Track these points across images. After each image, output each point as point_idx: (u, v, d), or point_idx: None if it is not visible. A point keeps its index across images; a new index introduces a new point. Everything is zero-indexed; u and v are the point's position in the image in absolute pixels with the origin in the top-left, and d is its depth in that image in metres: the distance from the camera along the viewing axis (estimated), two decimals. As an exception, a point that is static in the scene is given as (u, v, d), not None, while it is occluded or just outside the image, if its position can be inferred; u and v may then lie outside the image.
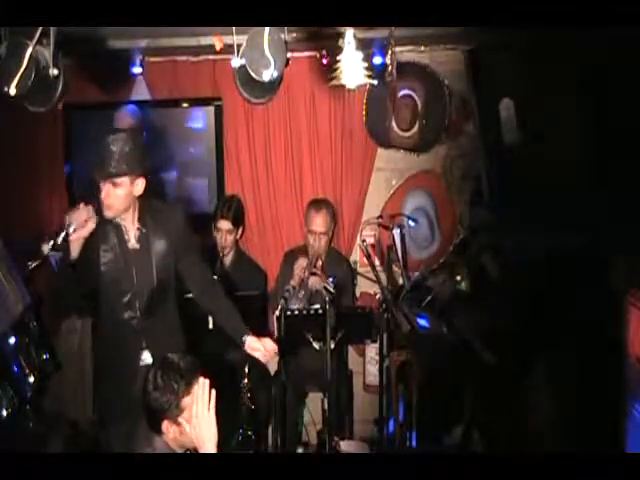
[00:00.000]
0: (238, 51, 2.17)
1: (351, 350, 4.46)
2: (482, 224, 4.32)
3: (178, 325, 3.09)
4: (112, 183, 2.71)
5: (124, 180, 2.72)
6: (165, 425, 2.27)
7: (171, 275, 2.99)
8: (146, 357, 2.93)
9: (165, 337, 2.96)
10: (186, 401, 2.26)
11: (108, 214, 2.78)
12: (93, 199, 2.78)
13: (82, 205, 2.71)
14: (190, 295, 3.56)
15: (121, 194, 2.74)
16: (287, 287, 3.79)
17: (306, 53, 4.24)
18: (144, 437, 2.33)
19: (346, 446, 3.64)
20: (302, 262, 3.95)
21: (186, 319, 3.22)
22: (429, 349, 3.79)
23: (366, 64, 2.51)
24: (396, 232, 4.20)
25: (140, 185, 2.77)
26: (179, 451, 2.34)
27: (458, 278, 3.83)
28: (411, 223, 4.31)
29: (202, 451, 2.23)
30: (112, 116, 4.08)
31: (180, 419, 2.26)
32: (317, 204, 4.12)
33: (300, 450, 3.94)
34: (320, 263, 4.01)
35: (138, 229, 2.87)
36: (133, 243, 2.88)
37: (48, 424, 3.96)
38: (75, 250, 2.71)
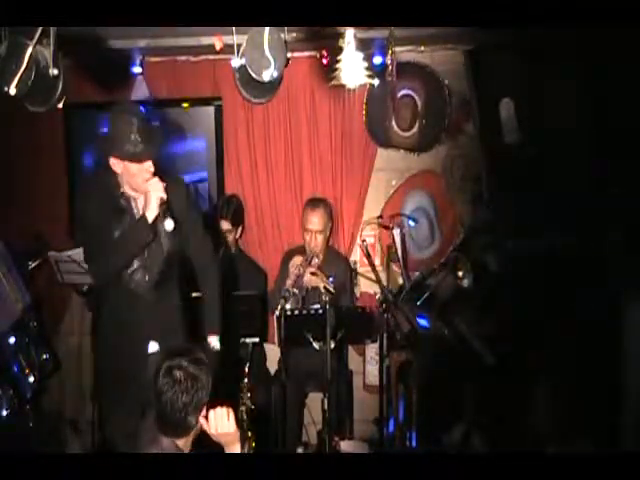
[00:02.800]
0: (238, 51, 2.17)
1: (351, 350, 4.46)
2: (482, 224, 4.32)
3: (182, 312, 3.10)
4: (137, 162, 2.77)
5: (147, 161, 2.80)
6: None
7: (178, 249, 3.00)
8: (153, 346, 2.95)
9: (170, 323, 3.00)
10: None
11: (126, 190, 2.86)
12: (107, 173, 2.86)
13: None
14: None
15: (141, 172, 2.80)
16: (286, 287, 3.79)
17: (306, 53, 4.23)
18: (151, 437, 2.32)
19: (346, 446, 3.64)
20: (297, 259, 3.96)
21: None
22: (429, 349, 3.79)
23: (366, 64, 2.51)
24: (396, 232, 4.20)
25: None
26: (186, 450, 2.34)
27: (460, 274, 3.81)
28: (411, 223, 4.31)
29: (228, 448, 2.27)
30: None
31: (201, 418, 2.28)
32: (313, 203, 4.12)
33: (300, 450, 3.93)
34: (316, 261, 4.01)
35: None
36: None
37: (48, 424, 3.96)
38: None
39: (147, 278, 2.93)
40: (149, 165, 2.81)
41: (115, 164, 2.81)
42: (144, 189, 2.82)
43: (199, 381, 2.26)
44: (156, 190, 2.78)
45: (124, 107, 2.85)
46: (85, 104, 4.32)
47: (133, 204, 2.93)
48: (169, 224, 2.76)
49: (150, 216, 2.78)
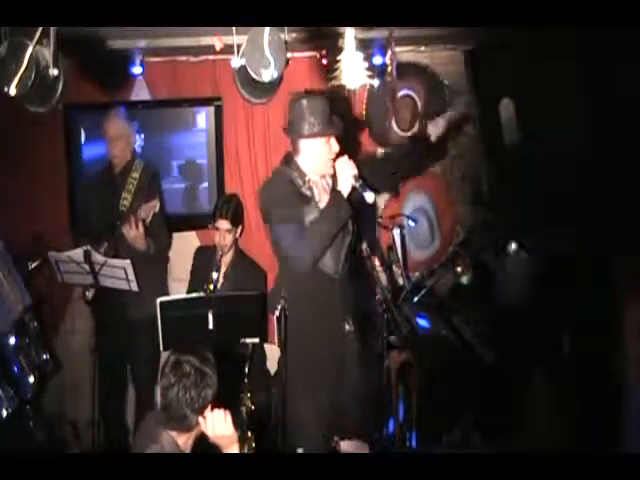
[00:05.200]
0: (238, 51, 2.17)
1: (351, 350, 4.45)
2: (482, 224, 4.32)
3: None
4: (328, 136, 2.90)
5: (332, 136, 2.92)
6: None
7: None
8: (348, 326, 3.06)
9: (360, 303, 3.15)
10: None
11: (311, 177, 2.96)
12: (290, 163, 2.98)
13: None
14: (194, 294, 3.59)
15: (328, 151, 2.92)
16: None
17: (306, 53, 4.23)
18: (152, 435, 2.33)
19: (346, 446, 3.63)
20: None
21: (186, 320, 3.23)
22: (429, 349, 3.78)
23: (366, 64, 2.51)
24: (396, 232, 4.20)
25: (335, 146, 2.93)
26: (187, 449, 2.35)
27: (459, 269, 3.82)
28: (411, 223, 4.30)
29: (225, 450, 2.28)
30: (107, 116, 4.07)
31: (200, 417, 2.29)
32: None
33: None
34: None
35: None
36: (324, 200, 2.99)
37: (48, 424, 3.96)
38: None
39: (340, 259, 3.00)
40: (334, 143, 2.91)
41: (306, 146, 2.93)
42: (328, 169, 2.94)
43: (207, 378, 2.28)
44: (349, 166, 2.85)
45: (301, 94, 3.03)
46: (85, 104, 4.32)
47: (316, 191, 2.98)
48: (369, 196, 2.81)
49: (345, 190, 2.85)
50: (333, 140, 2.93)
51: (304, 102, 2.89)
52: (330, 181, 3.02)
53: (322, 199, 2.97)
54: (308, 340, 2.99)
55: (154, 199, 3.74)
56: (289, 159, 3.02)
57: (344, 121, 3.02)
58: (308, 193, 2.95)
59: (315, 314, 2.98)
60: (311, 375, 2.97)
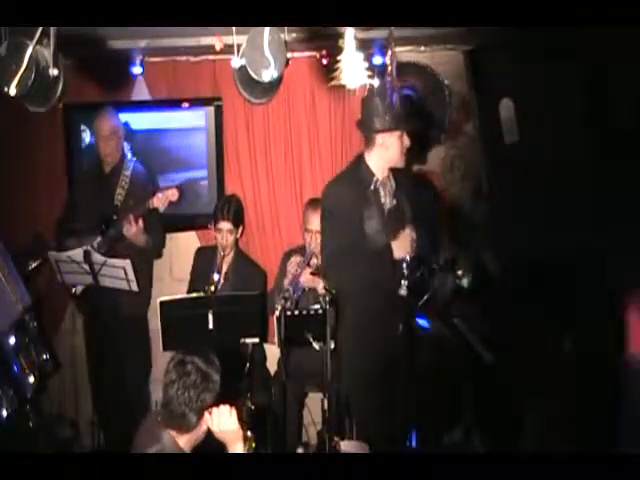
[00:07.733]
0: (238, 51, 2.17)
1: (351, 350, 4.45)
2: (482, 224, 4.32)
3: None
4: (397, 129, 3.00)
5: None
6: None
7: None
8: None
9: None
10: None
11: (380, 177, 3.09)
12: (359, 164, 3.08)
13: None
14: (194, 294, 3.59)
15: (401, 144, 3.03)
16: (287, 287, 3.79)
17: (306, 53, 4.23)
18: (153, 434, 2.33)
19: (346, 446, 3.63)
20: (295, 259, 3.96)
21: (187, 320, 3.23)
22: (429, 349, 3.78)
23: (366, 64, 2.52)
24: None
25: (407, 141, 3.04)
26: (188, 450, 2.35)
27: (459, 273, 3.82)
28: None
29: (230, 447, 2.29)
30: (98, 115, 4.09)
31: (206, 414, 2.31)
32: (314, 203, 4.10)
33: (300, 450, 3.93)
34: (315, 261, 4.00)
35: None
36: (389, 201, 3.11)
37: (48, 424, 3.96)
38: None
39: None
40: (406, 138, 3.01)
41: (380, 140, 3.03)
42: (401, 163, 3.07)
43: (209, 381, 2.28)
44: None
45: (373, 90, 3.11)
46: (85, 104, 4.32)
47: (382, 192, 3.09)
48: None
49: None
50: (405, 136, 3.01)
51: (377, 98, 2.93)
52: (394, 184, 3.09)
53: (387, 202, 3.08)
54: (365, 340, 3.12)
55: (172, 188, 3.80)
56: (360, 159, 3.11)
57: (417, 118, 3.14)
58: (373, 195, 3.04)
59: (373, 323, 3.09)
60: (366, 374, 3.05)
